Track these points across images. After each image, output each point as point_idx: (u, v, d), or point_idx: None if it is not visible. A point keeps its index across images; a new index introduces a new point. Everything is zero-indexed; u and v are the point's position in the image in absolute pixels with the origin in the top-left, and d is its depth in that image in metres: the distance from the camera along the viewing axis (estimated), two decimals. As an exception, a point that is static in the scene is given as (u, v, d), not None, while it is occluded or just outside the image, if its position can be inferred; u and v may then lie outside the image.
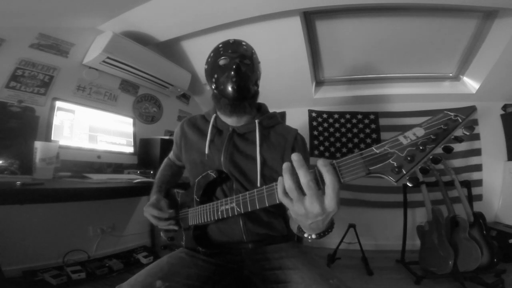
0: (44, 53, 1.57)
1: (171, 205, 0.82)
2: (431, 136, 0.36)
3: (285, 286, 0.62)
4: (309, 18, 1.88)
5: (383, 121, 2.47)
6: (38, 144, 1.08)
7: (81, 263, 1.57)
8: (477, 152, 2.28)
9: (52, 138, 1.34)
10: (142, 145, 1.90)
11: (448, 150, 0.37)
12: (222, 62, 0.77)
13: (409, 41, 2.01)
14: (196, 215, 0.73)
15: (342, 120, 2.55)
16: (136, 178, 1.36)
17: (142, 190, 1.29)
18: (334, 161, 0.42)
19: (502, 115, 2.29)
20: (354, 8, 1.75)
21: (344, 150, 2.51)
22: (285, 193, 0.44)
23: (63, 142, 1.35)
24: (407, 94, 2.36)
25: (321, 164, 0.41)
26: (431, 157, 0.37)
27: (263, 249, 0.75)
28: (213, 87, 0.80)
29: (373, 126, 2.48)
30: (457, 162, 2.27)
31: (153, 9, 1.68)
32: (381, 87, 2.41)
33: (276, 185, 0.47)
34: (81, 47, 1.75)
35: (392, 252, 2.16)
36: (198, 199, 0.75)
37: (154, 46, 2.14)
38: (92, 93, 1.81)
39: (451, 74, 2.30)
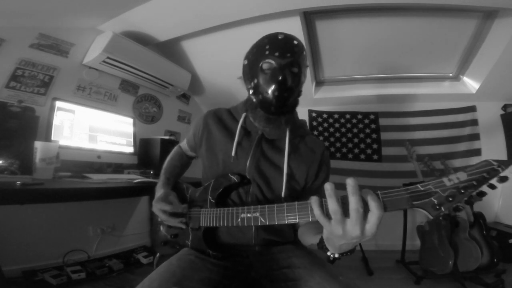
0: (44, 53, 1.57)
1: (181, 201, 0.78)
2: (473, 182, 0.40)
3: (295, 284, 0.61)
4: (309, 18, 1.88)
5: (383, 121, 2.47)
6: (38, 144, 1.08)
7: (81, 263, 1.58)
8: (477, 152, 2.28)
9: (52, 138, 1.34)
10: (142, 145, 1.90)
11: (482, 194, 0.41)
12: (265, 66, 0.69)
13: (409, 41, 2.01)
14: (210, 217, 0.70)
15: (342, 120, 2.55)
16: (136, 178, 1.35)
17: (142, 190, 1.29)
18: (379, 192, 0.45)
19: (502, 115, 2.29)
20: (354, 8, 1.75)
21: (344, 150, 2.51)
22: (325, 214, 0.46)
23: (63, 142, 1.35)
24: (407, 94, 2.36)
25: (368, 194, 0.44)
26: (466, 199, 0.41)
27: (270, 251, 0.75)
28: (250, 91, 0.73)
29: (373, 126, 2.48)
30: (457, 162, 2.27)
31: (153, 9, 1.68)
32: (381, 87, 2.41)
33: (310, 203, 0.49)
34: (81, 47, 1.75)
35: (392, 252, 2.16)
36: (213, 200, 0.72)
37: (154, 46, 2.14)
38: (92, 93, 1.81)
39: (451, 74, 2.30)
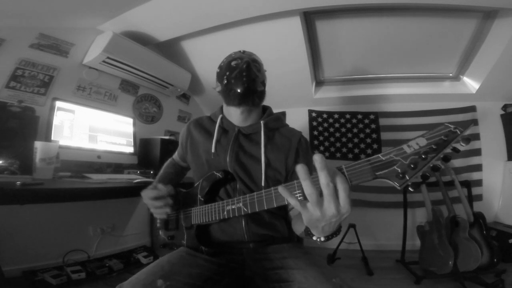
0: (44, 53, 1.57)
1: (174, 203, 0.81)
2: (432, 146, 0.40)
3: (288, 285, 0.62)
4: (309, 18, 1.88)
5: (383, 121, 2.47)
6: (38, 144, 1.08)
7: (81, 263, 1.57)
8: (477, 152, 2.28)
9: (52, 138, 1.34)
10: (142, 145, 1.90)
11: (446, 159, 0.40)
12: (234, 63, 0.82)
13: (409, 41, 2.01)
14: (200, 214, 0.73)
15: (342, 120, 2.55)
16: (136, 178, 1.36)
17: (142, 190, 1.29)
18: (343, 166, 0.45)
19: (502, 115, 2.29)
20: (354, 8, 1.75)
21: (344, 150, 2.51)
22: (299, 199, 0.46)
23: (63, 142, 1.36)
24: (407, 94, 2.36)
25: (332, 170, 0.43)
26: (431, 165, 0.40)
27: (265, 249, 0.76)
28: (224, 82, 0.82)
29: (373, 126, 2.48)
30: (457, 162, 2.27)
31: (153, 9, 1.68)
32: (381, 87, 2.41)
33: (285, 185, 0.49)
34: (81, 47, 1.75)
35: (392, 252, 2.16)
36: (202, 199, 0.75)
37: (154, 46, 2.14)
38: (92, 93, 1.81)
39: (451, 74, 2.30)
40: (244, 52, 0.87)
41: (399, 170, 0.41)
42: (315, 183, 0.42)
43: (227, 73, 0.82)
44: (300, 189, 0.46)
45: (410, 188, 0.41)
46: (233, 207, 0.62)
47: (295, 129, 0.89)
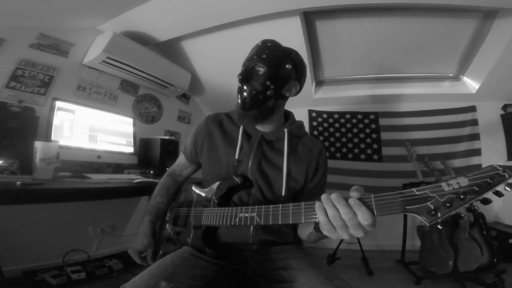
0: (44, 53, 1.57)
1: (154, 255, 0.84)
2: (475, 187, 0.37)
3: (290, 286, 0.62)
4: (309, 18, 1.88)
5: (383, 121, 2.47)
6: (38, 144, 1.08)
7: (81, 263, 1.58)
8: (477, 152, 2.28)
9: (52, 138, 1.34)
10: (142, 145, 1.90)
11: (486, 202, 0.37)
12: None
13: (409, 41, 2.01)
14: (211, 216, 0.71)
15: (342, 120, 2.55)
16: (136, 178, 1.36)
17: (142, 190, 1.29)
18: (372, 196, 0.44)
19: (502, 115, 2.28)
20: (354, 8, 1.75)
21: (344, 150, 2.51)
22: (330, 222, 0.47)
23: (63, 142, 1.35)
24: (407, 94, 2.36)
25: (355, 205, 0.44)
26: (467, 205, 0.38)
27: (267, 251, 0.76)
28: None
29: (373, 126, 2.48)
30: (457, 162, 2.27)
31: (153, 9, 1.68)
32: (381, 87, 2.41)
33: (304, 204, 0.51)
34: (81, 47, 1.75)
35: (392, 252, 2.16)
36: (216, 201, 0.73)
37: (154, 46, 2.14)
38: (92, 93, 1.81)
39: (451, 74, 2.30)
40: (260, 45, 0.79)
41: (432, 207, 0.39)
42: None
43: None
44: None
45: (439, 226, 0.40)
46: (246, 215, 0.60)
47: (316, 140, 0.88)
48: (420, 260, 1.78)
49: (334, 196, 0.46)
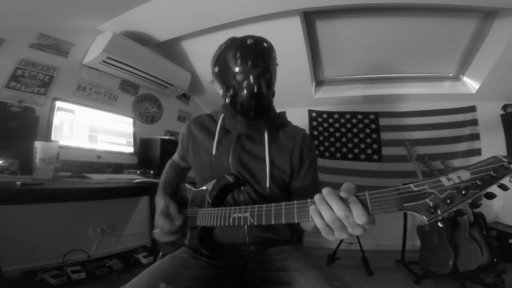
0: (44, 53, 1.57)
1: (182, 202, 0.81)
2: (477, 181, 0.34)
3: (289, 287, 0.62)
4: (309, 18, 1.88)
5: (383, 121, 2.47)
6: (38, 144, 1.08)
7: (81, 263, 1.58)
8: (477, 152, 2.27)
9: (52, 138, 1.34)
10: (142, 145, 1.90)
11: (490, 196, 0.35)
12: (239, 78, 0.72)
13: (409, 41, 2.01)
14: (206, 217, 0.71)
15: (342, 120, 2.55)
16: (136, 178, 1.35)
17: (142, 190, 1.29)
18: (366, 193, 0.41)
19: (502, 115, 2.28)
20: (354, 8, 1.75)
21: (344, 150, 2.51)
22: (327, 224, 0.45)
23: (63, 142, 1.35)
24: (407, 94, 2.36)
25: (350, 202, 0.42)
26: (470, 201, 0.35)
27: (266, 251, 0.75)
28: (227, 99, 0.77)
29: (373, 126, 2.48)
30: (457, 162, 2.27)
31: (153, 9, 1.68)
32: (381, 87, 2.41)
33: (297, 204, 0.49)
34: (81, 47, 1.75)
35: (392, 252, 2.16)
36: (210, 201, 0.73)
37: (154, 46, 2.14)
38: (92, 93, 1.81)
39: (451, 74, 2.30)
40: (252, 45, 0.73)
41: (431, 204, 0.36)
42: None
43: (231, 91, 0.74)
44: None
45: (439, 224, 0.37)
46: (239, 215, 0.60)
47: (298, 127, 0.87)
48: (420, 260, 1.78)
49: (326, 191, 0.44)
